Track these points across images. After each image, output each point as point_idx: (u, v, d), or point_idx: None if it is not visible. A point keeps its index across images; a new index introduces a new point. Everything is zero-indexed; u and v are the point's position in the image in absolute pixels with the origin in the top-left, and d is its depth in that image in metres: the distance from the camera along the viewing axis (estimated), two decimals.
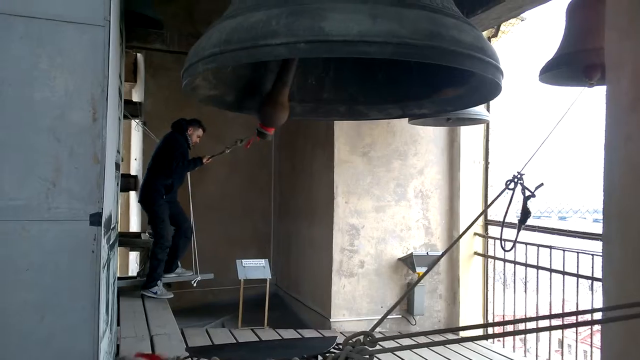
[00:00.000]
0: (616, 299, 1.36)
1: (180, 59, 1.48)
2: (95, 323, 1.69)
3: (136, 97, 6.62)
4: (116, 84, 2.17)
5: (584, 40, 2.25)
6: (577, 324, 2.97)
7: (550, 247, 4.31)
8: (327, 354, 0.81)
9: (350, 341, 0.87)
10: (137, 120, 5.86)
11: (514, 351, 4.65)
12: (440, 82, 1.69)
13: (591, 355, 4.22)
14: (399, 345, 0.98)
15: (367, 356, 0.83)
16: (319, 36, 1.12)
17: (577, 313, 1.40)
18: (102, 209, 1.71)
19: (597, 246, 3.83)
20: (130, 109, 5.55)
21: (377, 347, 0.88)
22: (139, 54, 6.35)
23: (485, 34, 4.63)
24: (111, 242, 2.29)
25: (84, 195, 1.68)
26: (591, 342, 4.18)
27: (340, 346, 0.88)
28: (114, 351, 2.99)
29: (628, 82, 1.21)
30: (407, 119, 4.28)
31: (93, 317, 1.69)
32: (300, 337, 4.50)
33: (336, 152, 4.98)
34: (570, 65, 2.39)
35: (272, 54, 1.18)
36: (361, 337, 0.87)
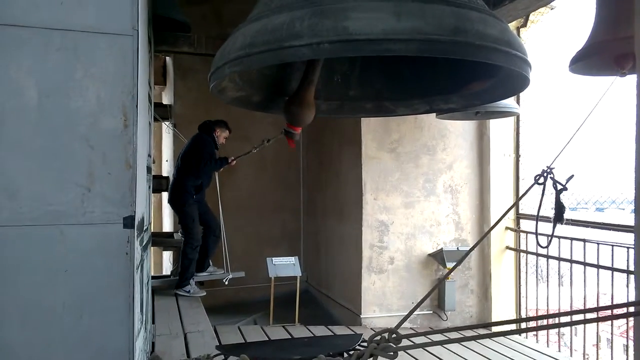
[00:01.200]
0: None
1: (208, 61, 1.51)
2: (130, 322, 1.75)
3: (166, 99, 6.76)
4: (145, 89, 2.23)
5: (615, 28, 2.17)
6: (612, 317, 2.87)
7: (584, 241, 4.19)
8: (353, 352, 0.82)
9: (375, 338, 0.88)
10: (167, 123, 5.98)
11: (547, 346, 4.54)
12: (467, 76, 1.67)
13: (628, 350, 4.08)
14: (428, 340, 0.98)
15: (392, 353, 0.83)
16: (343, 36, 1.12)
17: (613, 307, 1.37)
18: (135, 212, 1.77)
19: (632, 239, 3.69)
20: (161, 112, 5.67)
21: (405, 343, 0.89)
22: (167, 57, 6.48)
23: (513, 24, 4.52)
24: (144, 243, 2.36)
25: (117, 199, 1.74)
26: (627, 335, 4.04)
27: (366, 344, 0.88)
28: (149, 349, 3.08)
29: None
30: (434, 114, 4.23)
31: (128, 317, 1.75)
32: (331, 334, 4.52)
33: (364, 148, 4.96)
34: (601, 55, 2.31)
35: (297, 56, 1.19)
36: (386, 335, 0.88)
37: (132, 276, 1.76)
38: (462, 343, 4.01)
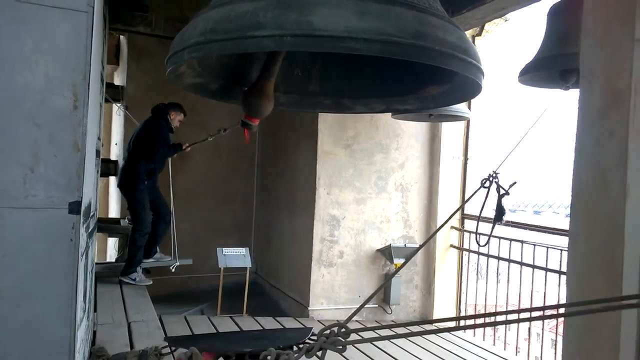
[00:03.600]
0: (577, 294, 1.43)
1: (165, 44, 1.46)
2: (72, 311, 1.69)
3: (118, 80, 6.50)
4: (98, 69, 2.14)
5: (563, 44, 2.31)
6: (543, 317, 3.08)
7: (522, 242, 4.45)
8: (302, 345, 0.83)
9: (324, 332, 0.89)
10: (118, 105, 5.76)
11: (483, 339, 4.79)
12: (424, 80, 1.72)
13: (556, 344, 4.36)
14: (375, 335, 1.01)
15: (341, 347, 0.86)
16: (306, 30, 1.12)
17: (544, 308, 1.47)
18: (82, 197, 1.70)
19: (565, 241, 3.96)
20: (112, 93, 5.46)
21: (354, 337, 0.91)
22: (122, 37, 6.22)
23: (470, 32, 4.68)
24: (90, 230, 2.28)
25: (62, 183, 1.67)
26: (556, 331, 4.33)
27: (315, 337, 0.90)
28: (90, 338, 2.98)
29: (600, 90, 1.26)
30: (390, 113, 4.32)
31: (70, 305, 1.68)
32: (280, 326, 4.54)
33: (320, 143, 4.99)
34: (548, 69, 2.44)
35: (258, 46, 1.18)
36: (335, 328, 0.90)
37: (76, 264, 1.69)
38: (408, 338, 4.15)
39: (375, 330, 1.29)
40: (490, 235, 2.40)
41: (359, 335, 1.00)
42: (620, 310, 1.24)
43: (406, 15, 1.18)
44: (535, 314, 2.72)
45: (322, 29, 1.12)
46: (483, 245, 2.68)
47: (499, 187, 2.06)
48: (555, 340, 4.27)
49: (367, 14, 1.14)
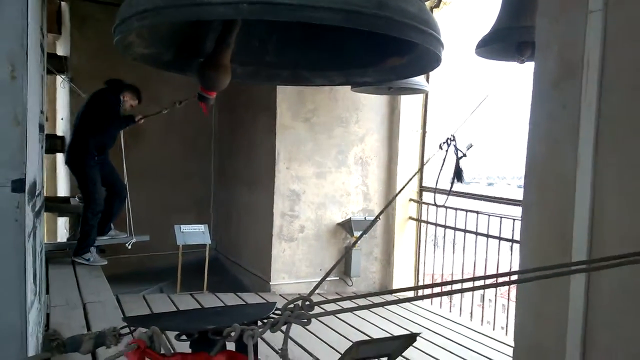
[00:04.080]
0: (530, 260, 1.49)
1: (109, 10, 1.36)
2: (22, 294, 1.60)
3: (61, 50, 6.12)
4: (37, 37, 1.99)
5: (518, 17, 2.34)
6: (496, 285, 3.22)
7: (477, 213, 4.62)
8: (267, 320, 0.83)
9: (288, 306, 0.89)
10: (62, 76, 5.44)
11: (440, 307, 4.98)
12: (384, 51, 1.69)
13: (508, 308, 4.60)
14: (339, 308, 1.02)
15: (305, 320, 0.85)
16: None
17: (497, 275, 1.52)
18: (25, 174, 1.59)
19: (518, 211, 4.13)
20: (55, 64, 5.14)
21: (317, 310, 0.91)
22: (63, 3, 5.83)
23: (427, 4, 4.69)
24: (37, 209, 2.16)
25: (4, 160, 1.55)
26: (508, 296, 4.56)
27: (280, 312, 0.90)
28: (43, 321, 2.87)
29: (553, 62, 1.28)
30: (349, 86, 4.30)
31: (19, 289, 1.60)
32: (242, 301, 4.54)
33: (278, 117, 4.92)
34: (504, 41, 2.49)
35: (213, 14, 1.13)
36: (300, 302, 0.90)
37: (22, 245, 1.59)
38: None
39: (337, 303, 1.30)
40: (449, 192, 2.50)
41: (322, 308, 1.00)
42: (570, 275, 1.30)
43: None
44: (489, 281, 2.85)
45: None
46: (442, 206, 2.78)
47: (456, 149, 2.14)
48: (508, 306, 4.49)
49: None
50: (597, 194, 1.20)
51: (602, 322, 1.25)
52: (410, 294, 4.81)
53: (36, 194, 2.09)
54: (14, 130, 1.56)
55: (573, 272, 1.24)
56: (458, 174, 2.42)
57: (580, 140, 1.23)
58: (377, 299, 3.91)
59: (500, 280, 1.14)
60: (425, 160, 5.19)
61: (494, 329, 4.53)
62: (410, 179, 2.03)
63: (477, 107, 2.62)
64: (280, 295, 4.87)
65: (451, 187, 2.60)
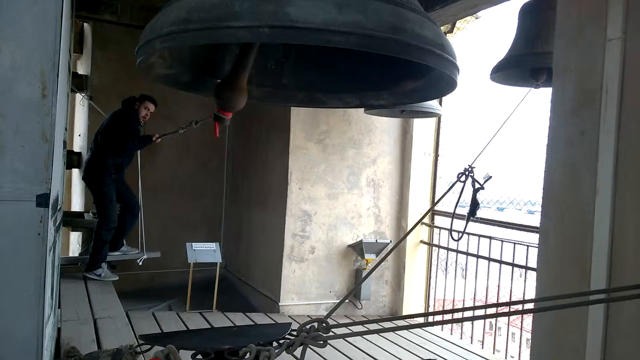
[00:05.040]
0: (547, 288, 1.46)
1: (131, 32, 1.41)
2: (40, 307, 1.61)
3: (82, 69, 6.28)
4: (66, 58, 2.05)
5: (534, 43, 2.36)
6: (509, 314, 3.16)
7: (490, 238, 4.55)
8: (282, 341, 0.82)
9: (304, 327, 0.88)
10: (83, 94, 5.56)
11: (451, 334, 4.88)
12: (399, 75, 1.71)
13: (521, 337, 4.48)
14: (351, 331, 1.01)
15: (322, 342, 0.85)
16: (284, 22, 1.10)
17: (510, 304, 1.50)
18: (50, 189, 1.62)
19: (531, 237, 4.07)
20: (76, 83, 5.27)
21: (330, 333, 0.90)
22: (85, 24, 6.00)
23: (441, 29, 4.73)
24: (57, 223, 2.19)
25: (30, 175, 1.59)
26: (521, 325, 4.45)
27: (295, 333, 0.89)
28: (55, 335, 2.87)
29: (572, 89, 1.28)
30: (362, 108, 4.33)
31: (38, 302, 1.61)
32: (251, 321, 4.50)
33: (292, 138, 4.96)
34: (519, 67, 2.50)
35: (234, 37, 1.15)
36: (315, 324, 0.89)
37: (44, 258, 1.61)
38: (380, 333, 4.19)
39: (348, 327, 1.28)
40: (464, 230, 2.43)
41: (332, 331, 0.99)
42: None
43: (384, 9, 1.17)
44: (502, 309, 2.79)
45: (300, 21, 1.09)
46: (457, 240, 2.72)
47: (474, 181, 2.09)
48: (520, 335, 4.39)
49: (346, 6, 1.13)
50: (616, 221, 1.18)
51: (622, 354, 1.22)
52: (422, 319, 4.72)
53: (58, 208, 2.13)
54: (42, 147, 1.60)
55: (591, 302, 1.22)
56: (473, 210, 2.34)
57: (599, 166, 1.22)
58: (388, 324, 3.85)
59: (513, 308, 1.12)
60: (436, 191, 5.17)
61: (505, 358, 4.42)
62: (424, 216, 1.99)
63: (493, 138, 2.60)
64: (289, 316, 4.82)
65: (466, 225, 2.54)
